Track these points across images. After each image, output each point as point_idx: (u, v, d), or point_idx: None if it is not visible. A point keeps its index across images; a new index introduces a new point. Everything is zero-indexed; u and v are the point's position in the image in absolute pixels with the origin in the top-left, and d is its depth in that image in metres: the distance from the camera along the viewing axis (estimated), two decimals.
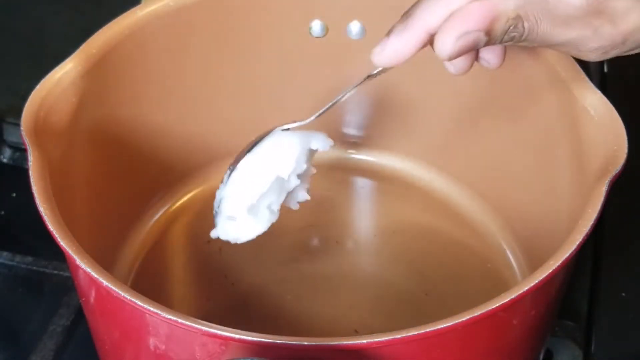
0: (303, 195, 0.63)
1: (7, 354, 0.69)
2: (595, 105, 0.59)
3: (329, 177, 0.76)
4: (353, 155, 0.77)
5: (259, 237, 0.72)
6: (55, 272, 0.71)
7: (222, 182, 0.60)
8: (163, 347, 0.52)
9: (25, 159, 0.57)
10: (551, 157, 0.65)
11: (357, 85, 0.58)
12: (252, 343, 0.48)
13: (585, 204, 0.54)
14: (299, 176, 0.61)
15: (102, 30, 0.65)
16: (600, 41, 0.51)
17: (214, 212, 0.61)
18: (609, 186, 0.54)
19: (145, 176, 0.72)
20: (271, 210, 0.60)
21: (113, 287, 0.50)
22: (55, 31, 0.85)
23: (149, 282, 0.69)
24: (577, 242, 0.52)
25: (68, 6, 0.88)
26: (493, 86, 0.68)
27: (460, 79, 0.70)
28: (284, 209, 0.74)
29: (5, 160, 0.80)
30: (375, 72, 0.56)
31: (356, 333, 0.65)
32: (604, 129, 0.58)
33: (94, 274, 0.51)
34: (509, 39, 0.51)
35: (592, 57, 0.53)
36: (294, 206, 0.63)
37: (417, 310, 0.67)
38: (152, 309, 0.49)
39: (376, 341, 0.48)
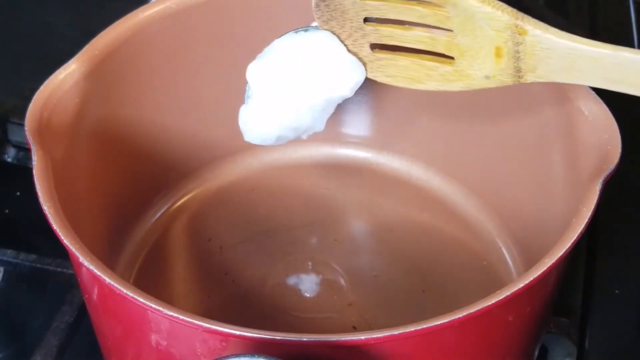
0: (321, 126, 0.61)
1: (11, 351, 0.69)
2: (589, 105, 0.60)
3: (328, 176, 0.77)
4: (352, 155, 0.78)
5: (259, 236, 0.73)
6: (59, 269, 0.71)
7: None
8: (165, 343, 0.53)
9: (29, 158, 0.58)
10: (546, 156, 0.66)
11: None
12: (252, 339, 0.49)
13: (580, 203, 0.55)
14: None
15: (105, 31, 0.65)
16: None
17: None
18: (602, 185, 0.55)
19: (147, 175, 0.72)
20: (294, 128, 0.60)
21: (115, 285, 0.51)
22: (58, 32, 0.85)
23: (151, 279, 0.69)
24: (572, 240, 0.53)
25: (71, 8, 0.88)
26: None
27: None
28: (286, 210, 0.74)
29: (9, 160, 0.80)
30: None
31: (354, 329, 0.66)
32: (597, 128, 0.58)
33: (97, 272, 0.51)
34: None
35: None
36: (305, 136, 0.62)
37: (414, 306, 0.68)
38: (154, 305, 0.50)
39: (374, 337, 0.49)
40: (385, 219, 0.74)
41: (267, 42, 0.72)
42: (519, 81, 0.55)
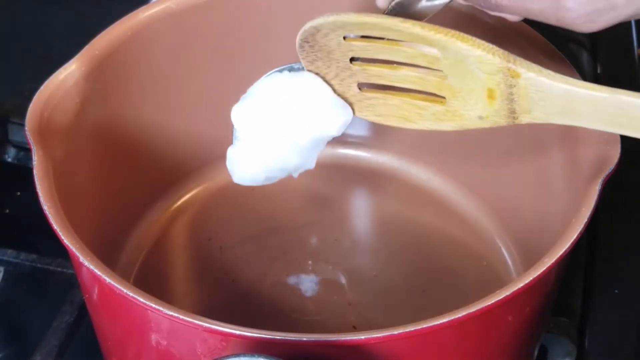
0: (311, 164, 0.60)
1: (12, 350, 0.69)
2: None
3: (328, 176, 0.76)
4: (352, 155, 0.78)
5: (259, 236, 0.73)
6: (59, 269, 0.71)
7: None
8: (165, 343, 0.53)
9: (30, 158, 0.58)
10: (546, 156, 0.66)
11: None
12: (252, 339, 0.49)
13: (579, 203, 0.55)
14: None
15: (105, 31, 0.65)
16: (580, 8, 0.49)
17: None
18: (602, 185, 0.55)
19: (147, 175, 0.72)
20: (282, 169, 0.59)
21: (116, 284, 0.51)
22: (58, 33, 0.85)
23: (151, 279, 0.69)
24: (571, 240, 0.53)
25: (71, 8, 0.88)
26: None
27: None
28: (286, 210, 0.74)
29: (10, 160, 0.80)
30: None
31: (354, 329, 0.66)
32: None
33: (97, 271, 0.51)
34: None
35: (581, 26, 0.51)
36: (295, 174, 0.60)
37: (414, 306, 0.68)
38: (154, 305, 0.50)
39: (374, 337, 0.49)
40: (384, 218, 0.74)
41: (267, 42, 0.72)
42: (514, 122, 0.53)
